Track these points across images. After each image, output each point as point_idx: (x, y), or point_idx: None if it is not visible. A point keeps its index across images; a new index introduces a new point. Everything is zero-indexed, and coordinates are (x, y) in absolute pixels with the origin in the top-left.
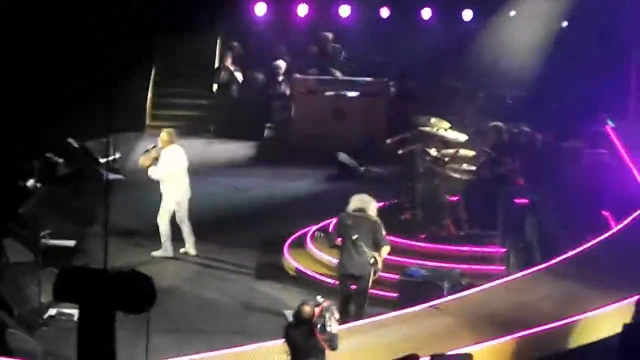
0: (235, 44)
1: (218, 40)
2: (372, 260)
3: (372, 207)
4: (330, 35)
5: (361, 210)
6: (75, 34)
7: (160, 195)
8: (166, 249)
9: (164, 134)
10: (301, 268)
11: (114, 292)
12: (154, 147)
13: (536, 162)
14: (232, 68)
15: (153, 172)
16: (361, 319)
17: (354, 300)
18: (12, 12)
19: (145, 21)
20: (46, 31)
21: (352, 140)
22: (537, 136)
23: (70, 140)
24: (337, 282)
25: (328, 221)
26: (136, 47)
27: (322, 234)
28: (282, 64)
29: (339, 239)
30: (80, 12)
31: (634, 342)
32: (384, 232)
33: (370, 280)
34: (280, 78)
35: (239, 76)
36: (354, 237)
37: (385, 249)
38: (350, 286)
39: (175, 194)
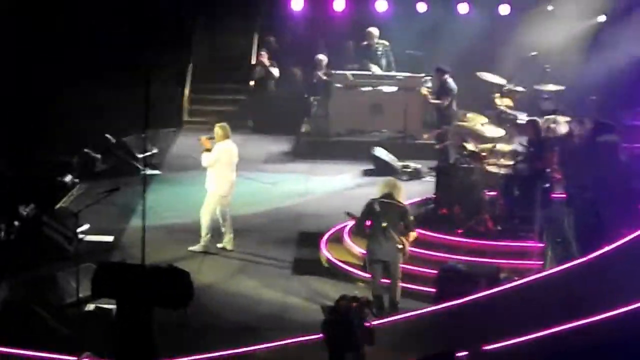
0: (272, 39)
1: (255, 36)
2: (400, 246)
3: (401, 192)
4: (376, 31)
5: (389, 196)
6: (113, 30)
7: (205, 189)
8: (205, 243)
9: (218, 129)
10: (338, 263)
11: (151, 287)
12: (212, 137)
13: (573, 157)
14: (268, 63)
15: (204, 159)
16: (397, 309)
17: (388, 288)
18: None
19: (183, 18)
20: (73, 27)
21: (389, 135)
22: (574, 130)
23: (108, 136)
24: (368, 269)
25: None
26: (174, 44)
27: (349, 214)
28: (324, 58)
29: (368, 225)
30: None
31: None
32: (411, 218)
33: (400, 265)
34: (322, 72)
35: (275, 71)
36: (383, 224)
37: (413, 235)
38: (380, 272)
39: (221, 187)
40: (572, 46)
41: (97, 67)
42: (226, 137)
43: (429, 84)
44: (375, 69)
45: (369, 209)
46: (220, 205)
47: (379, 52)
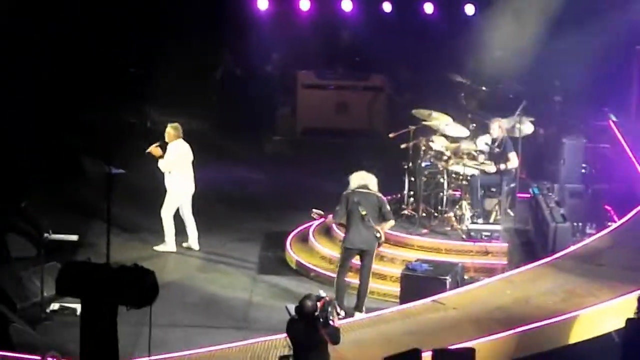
0: (237, 39)
1: (220, 36)
2: (377, 235)
3: (373, 182)
4: (347, 33)
5: (365, 187)
6: (76, 28)
7: (165, 189)
8: (169, 243)
9: (170, 129)
10: (303, 262)
11: (116, 286)
12: (159, 144)
13: (538, 157)
14: (233, 63)
15: (162, 165)
16: (364, 303)
17: (353, 288)
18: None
19: (147, 14)
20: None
21: (354, 134)
22: (539, 130)
23: (72, 136)
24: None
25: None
26: (138, 42)
27: (317, 212)
28: (277, 57)
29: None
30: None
31: (636, 337)
32: (388, 207)
33: (374, 254)
34: (278, 72)
35: (239, 71)
36: (363, 212)
37: (391, 223)
38: (349, 265)
39: (181, 187)
40: (537, 46)
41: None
42: (178, 136)
43: (395, 84)
44: (340, 70)
45: (347, 200)
46: (182, 205)
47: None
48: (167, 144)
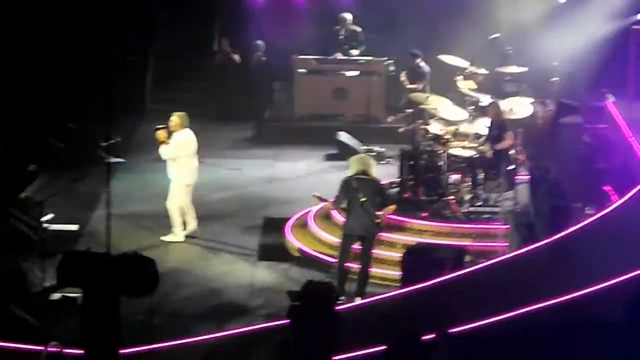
0: (233, 25)
1: (216, 23)
2: (377, 220)
3: (373, 167)
4: (349, 16)
5: (364, 172)
6: (75, 15)
7: (168, 179)
8: (177, 234)
9: (175, 118)
10: (304, 248)
11: (117, 275)
12: (164, 127)
13: (537, 138)
14: (229, 50)
15: (163, 152)
16: (365, 288)
17: (354, 273)
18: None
19: (146, 3)
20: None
21: (353, 119)
22: (537, 112)
23: (71, 124)
24: (340, 242)
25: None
26: (136, 30)
27: (318, 196)
28: (261, 43)
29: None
30: None
31: None
32: (388, 192)
33: (375, 240)
34: (263, 58)
35: (236, 58)
36: (363, 199)
37: (392, 208)
38: (350, 251)
39: (187, 177)
40: (534, 27)
41: (58, 58)
42: (183, 126)
43: (392, 68)
44: (339, 55)
45: (346, 186)
46: (185, 194)
47: (349, 38)
48: (169, 130)
